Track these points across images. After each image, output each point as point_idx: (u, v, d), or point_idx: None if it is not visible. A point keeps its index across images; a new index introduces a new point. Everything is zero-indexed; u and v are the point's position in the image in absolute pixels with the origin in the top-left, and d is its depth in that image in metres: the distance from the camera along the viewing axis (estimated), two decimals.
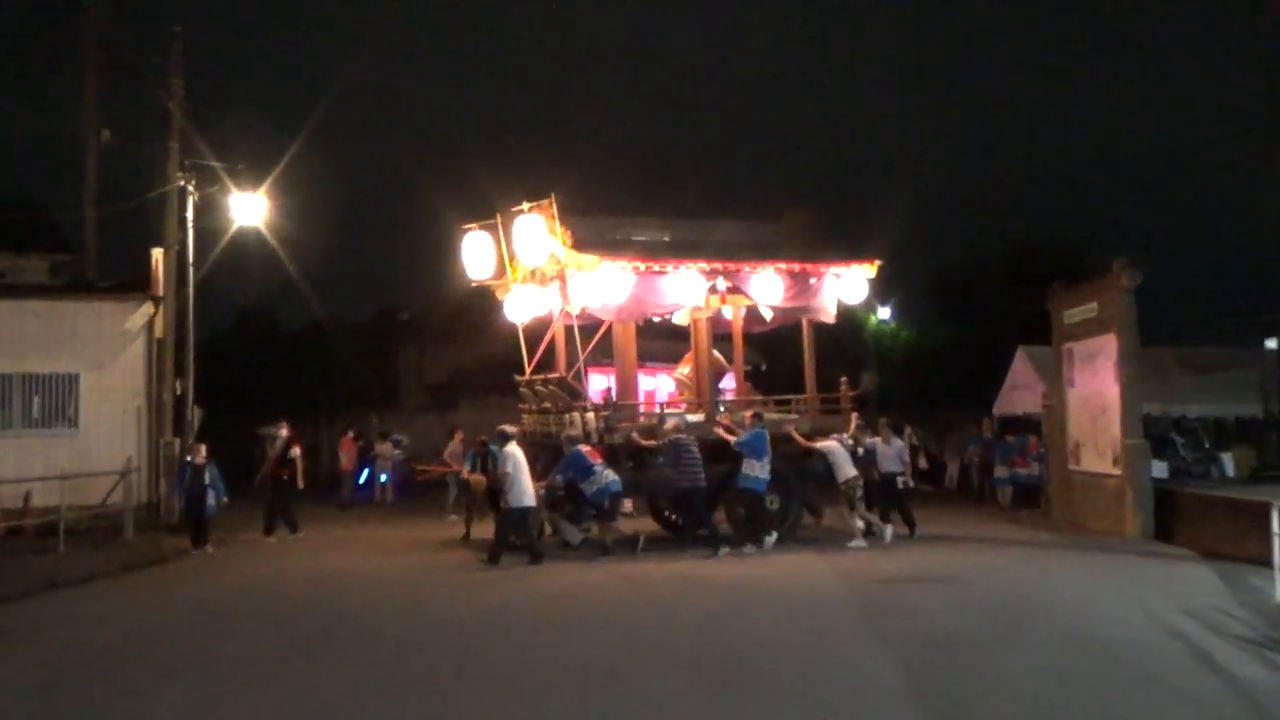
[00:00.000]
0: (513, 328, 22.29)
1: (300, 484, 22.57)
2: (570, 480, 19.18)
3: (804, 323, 21.85)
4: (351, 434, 30.34)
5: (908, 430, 29.37)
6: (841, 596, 14.97)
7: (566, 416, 20.55)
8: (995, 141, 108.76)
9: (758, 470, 19.19)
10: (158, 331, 24.82)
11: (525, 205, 20.16)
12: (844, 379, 21.82)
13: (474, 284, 21.60)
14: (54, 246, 32.63)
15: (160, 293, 24.91)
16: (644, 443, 19.85)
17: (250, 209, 26.34)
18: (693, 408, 21.48)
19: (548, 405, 21.30)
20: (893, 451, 21.24)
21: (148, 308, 24.83)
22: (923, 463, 29.37)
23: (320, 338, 43.35)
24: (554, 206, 19.98)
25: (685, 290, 20.44)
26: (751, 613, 13.96)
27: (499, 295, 22.05)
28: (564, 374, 20.76)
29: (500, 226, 20.80)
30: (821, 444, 20.09)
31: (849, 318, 46.68)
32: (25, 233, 31.96)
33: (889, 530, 20.31)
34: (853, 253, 21.61)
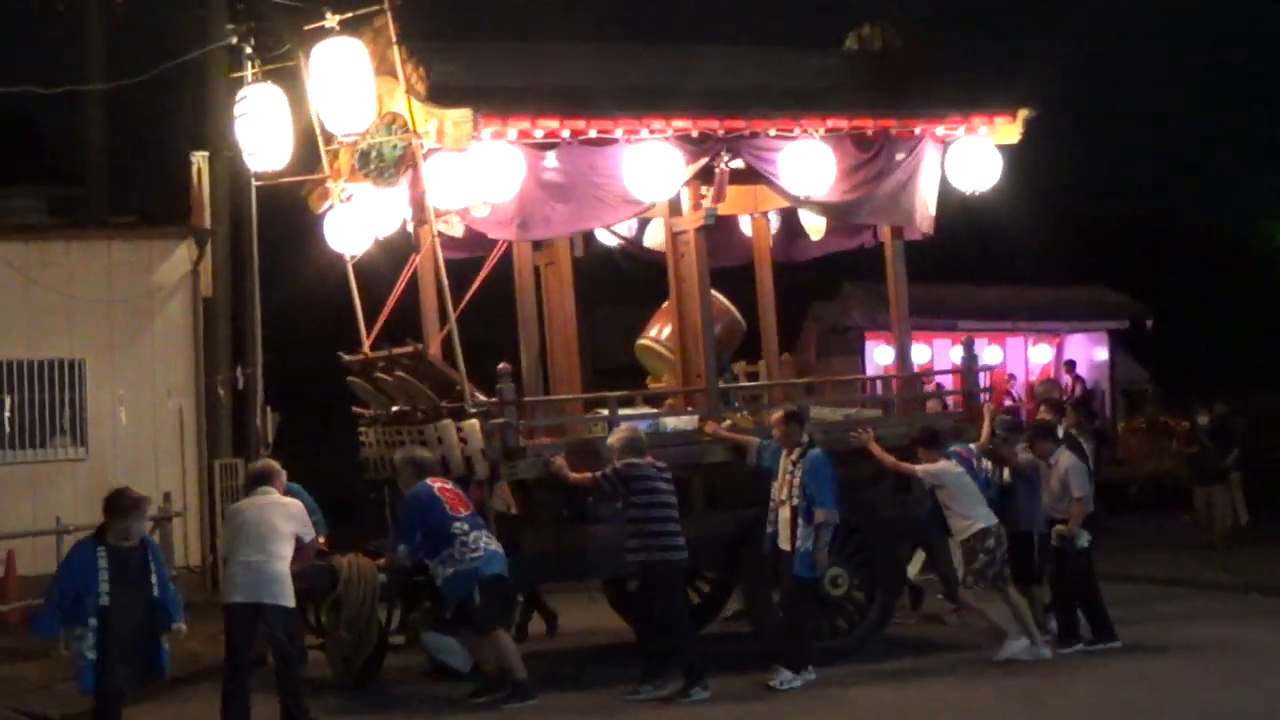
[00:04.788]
0: (343, 266, 12.20)
1: None
2: (415, 552, 10.33)
3: (886, 238, 11.97)
4: None
5: None
6: None
7: (434, 428, 10.86)
8: None
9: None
10: (204, 287, 16.53)
11: (332, 19, 10.60)
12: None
13: (257, 182, 11.84)
14: (50, 178, 23.55)
15: (207, 223, 16.49)
16: (574, 477, 10.31)
17: None
18: (677, 402, 11.86)
19: (405, 408, 11.50)
20: (1063, 472, 11.20)
21: (188, 249, 16.37)
22: None
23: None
24: (391, 24, 10.56)
25: (647, 175, 10.75)
26: None
27: (313, 206, 12.19)
28: (419, 347, 11.02)
29: (305, 73, 11.07)
30: (928, 466, 10.89)
31: (1235, 228, 29.89)
32: (10, 156, 23.18)
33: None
34: (975, 101, 11.69)
